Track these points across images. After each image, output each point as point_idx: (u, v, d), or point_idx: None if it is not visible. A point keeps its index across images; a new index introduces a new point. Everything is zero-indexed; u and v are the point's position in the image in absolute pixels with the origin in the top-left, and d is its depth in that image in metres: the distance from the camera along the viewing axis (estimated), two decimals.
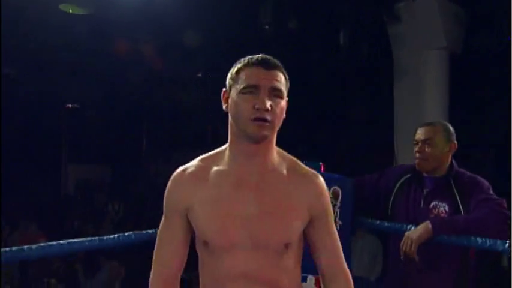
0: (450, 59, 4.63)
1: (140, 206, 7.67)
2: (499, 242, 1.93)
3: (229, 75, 1.32)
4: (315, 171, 1.38)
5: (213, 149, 1.39)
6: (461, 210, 2.12)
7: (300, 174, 1.35)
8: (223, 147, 1.36)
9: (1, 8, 3.59)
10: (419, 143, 2.22)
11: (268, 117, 1.24)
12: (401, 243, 2.06)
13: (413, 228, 2.07)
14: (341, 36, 4.68)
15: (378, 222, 2.29)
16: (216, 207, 1.29)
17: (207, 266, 1.34)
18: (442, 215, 2.14)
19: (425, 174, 2.24)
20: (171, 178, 1.36)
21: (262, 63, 1.28)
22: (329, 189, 1.60)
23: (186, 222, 1.34)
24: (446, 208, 2.14)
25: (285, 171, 1.33)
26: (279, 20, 4.18)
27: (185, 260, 1.37)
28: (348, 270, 1.39)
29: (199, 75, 6.36)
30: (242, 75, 1.28)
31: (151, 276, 1.37)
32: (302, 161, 1.42)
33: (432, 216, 2.13)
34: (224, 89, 1.33)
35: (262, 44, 4.90)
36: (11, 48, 4.62)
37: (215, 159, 1.34)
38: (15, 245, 2.12)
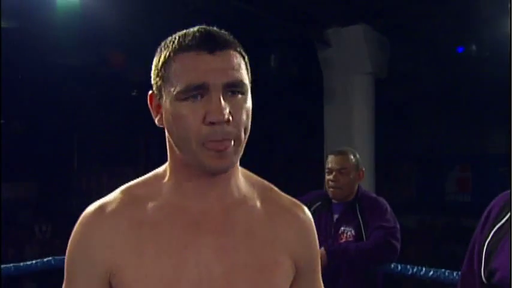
0: (375, 82, 4.93)
1: (70, 226, 7.40)
2: None
3: (154, 69, 0.83)
4: (296, 201, 0.95)
5: (148, 166, 1.04)
6: (363, 233, 2.25)
7: (279, 206, 0.91)
8: (158, 170, 0.89)
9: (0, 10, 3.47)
10: (334, 172, 2.31)
11: (230, 133, 0.78)
12: None
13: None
14: (272, 59, 4.87)
15: None
16: (162, 265, 0.82)
17: None
18: (350, 239, 2.25)
19: (334, 201, 2.34)
20: (79, 221, 0.88)
21: (205, 44, 0.79)
22: None
23: None
24: (353, 232, 2.26)
25: (258, 203, 0.89)
26: None
27: None
28: None
29: (134, 93, 6.32)
30: (176, 69, 0.79)
31: None
32: None
33: (342, 241, 2.25)
34: (151, 92, 0.85)
35: None
36: None
37: (149, 190, 0.87)
38: None
